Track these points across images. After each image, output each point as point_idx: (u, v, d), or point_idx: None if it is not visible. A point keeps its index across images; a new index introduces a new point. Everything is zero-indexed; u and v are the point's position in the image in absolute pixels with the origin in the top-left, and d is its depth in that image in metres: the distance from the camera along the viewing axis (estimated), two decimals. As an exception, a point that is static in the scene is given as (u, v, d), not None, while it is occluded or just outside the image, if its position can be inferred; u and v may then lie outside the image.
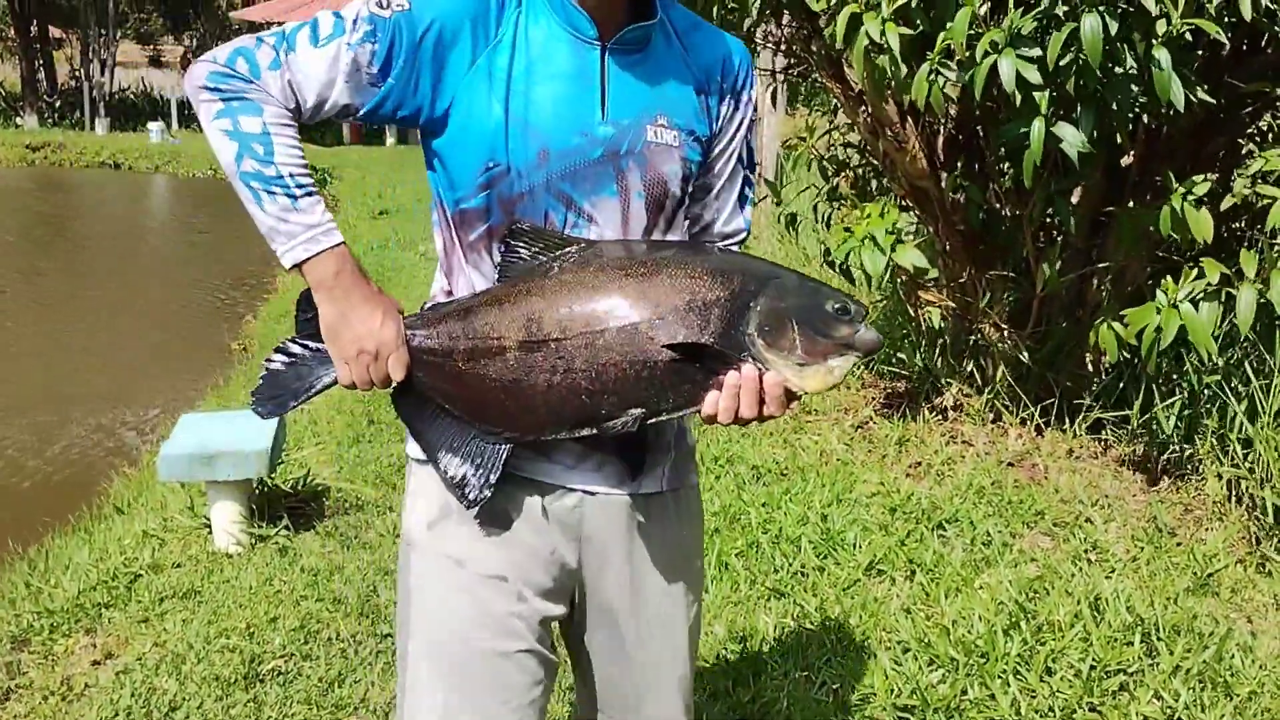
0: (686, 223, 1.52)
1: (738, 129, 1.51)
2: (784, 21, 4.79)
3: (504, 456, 1.39)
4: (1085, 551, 3.19)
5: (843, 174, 4.67)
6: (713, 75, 1.47)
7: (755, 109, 1.53)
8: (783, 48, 5.06)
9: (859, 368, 4.84)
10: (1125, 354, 3.50)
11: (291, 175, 1.31)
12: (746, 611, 2.91)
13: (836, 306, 1.34)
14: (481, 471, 1.39)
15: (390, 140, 21.50)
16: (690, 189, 1.49)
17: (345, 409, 4.82)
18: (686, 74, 1.45)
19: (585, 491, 1.47)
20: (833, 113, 5.23)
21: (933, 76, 3.34)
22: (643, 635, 1.56)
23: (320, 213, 1.34)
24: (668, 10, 1.46)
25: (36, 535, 4.12)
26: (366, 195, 13.68)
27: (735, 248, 1.56)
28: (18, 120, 24.58)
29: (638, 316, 1.31)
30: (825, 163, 4.71)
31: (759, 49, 5.32)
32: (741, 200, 1.56)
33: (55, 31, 28.44)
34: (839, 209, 4.76)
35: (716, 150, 1.50)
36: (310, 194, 1.33)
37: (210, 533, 3.49)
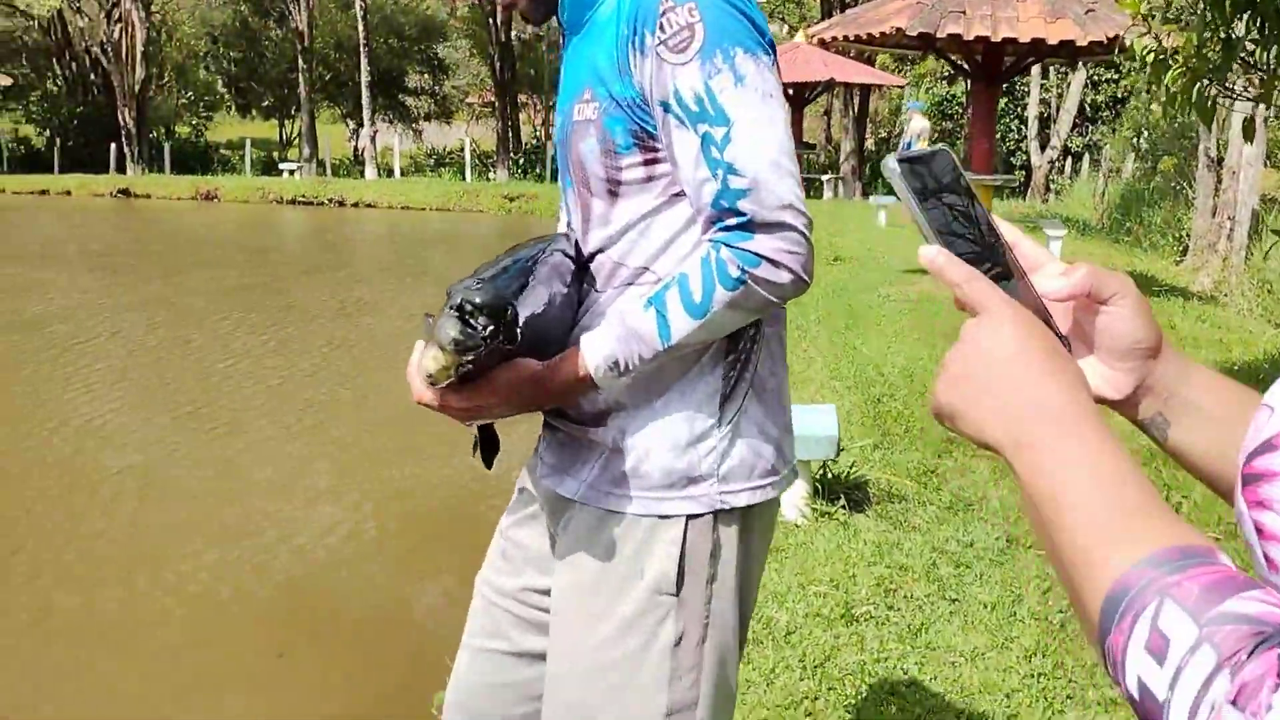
0: (676, 207, 1.29)
1: (653, 77, 1.22)
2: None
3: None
4: None
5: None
6: (629, 21, 1.22)
7: (680, 48, 1.19)
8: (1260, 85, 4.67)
9: None
10: None
11: None
12: None
13: (454, 298, 1.17)
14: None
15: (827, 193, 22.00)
16: (635, 164, 1.28)
17: (855, 420, 5.33)
18: (614, 32, 1.25)
19: (539, 478, 1.46)
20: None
21: None
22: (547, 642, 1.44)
23: None
24: None
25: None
26: (819, 245, 14.43)
27: (726, 235, 1.21)
28: (490, 175, 28.27)
29: None
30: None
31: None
32: (708, 165, 1.20)
33: (521, 97, 32.46)
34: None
35: (655, 111, 1.24)
36: None
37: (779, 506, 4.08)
